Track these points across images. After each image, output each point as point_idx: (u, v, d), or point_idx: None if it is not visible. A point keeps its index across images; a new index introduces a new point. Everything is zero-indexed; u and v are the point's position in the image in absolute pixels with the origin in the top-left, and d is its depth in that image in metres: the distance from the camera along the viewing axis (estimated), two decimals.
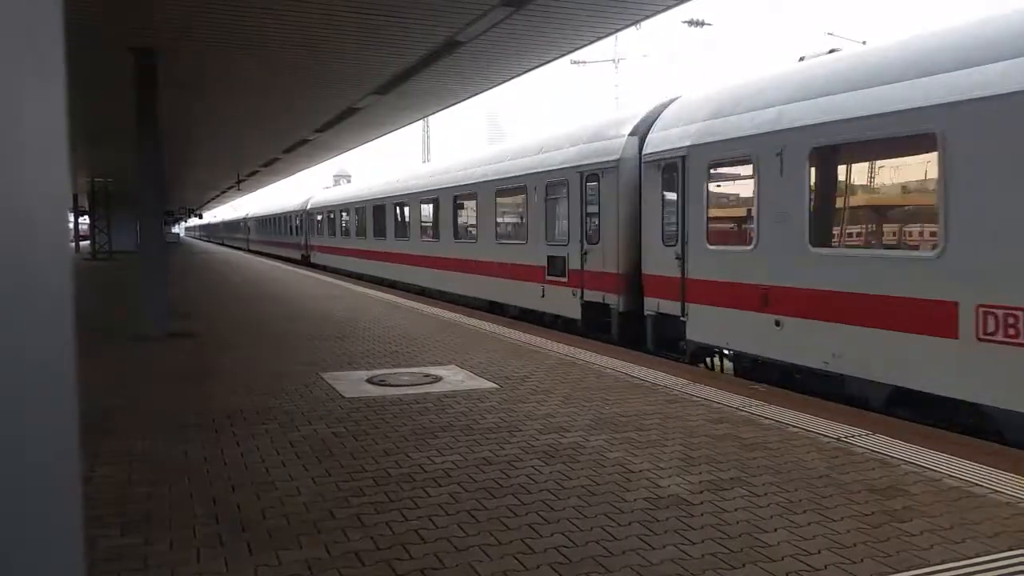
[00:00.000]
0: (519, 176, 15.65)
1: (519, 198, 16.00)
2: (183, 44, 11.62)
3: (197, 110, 17.71)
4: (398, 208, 24.22)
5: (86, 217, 48.10)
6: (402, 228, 23.87)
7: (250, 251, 58.94)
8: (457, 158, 21.80)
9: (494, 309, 16.82)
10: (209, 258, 44.47)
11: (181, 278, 24.95)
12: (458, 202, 19.32)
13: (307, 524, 4.30)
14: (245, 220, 69.43)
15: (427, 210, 21.66)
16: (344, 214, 32.04)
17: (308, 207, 39.58)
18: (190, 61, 12.57)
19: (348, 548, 3.98)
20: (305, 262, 38.68)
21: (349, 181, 79.59)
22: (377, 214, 26.51)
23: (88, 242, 47.69)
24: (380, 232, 26.21)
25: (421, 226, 22.05)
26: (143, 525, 4.30)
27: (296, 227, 42.79)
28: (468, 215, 19.20)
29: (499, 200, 17.02)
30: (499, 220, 17.19)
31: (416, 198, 22.29)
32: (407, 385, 8.10)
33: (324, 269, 33.35)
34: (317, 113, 18.38)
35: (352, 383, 8.21)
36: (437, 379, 8.38)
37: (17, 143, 0.80)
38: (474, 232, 18.22)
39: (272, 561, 3.83)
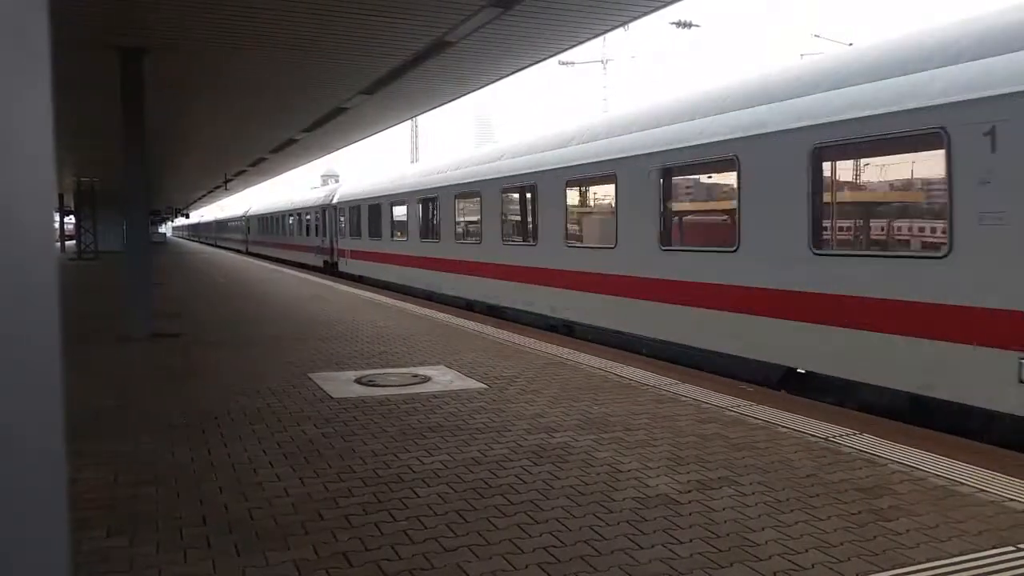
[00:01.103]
0: (913, 112, 7.34)
1: (908, 162, 8.33)
2: (170, 44, 11.56)
3: (184, 110, 17.64)
4: (511, 196, 15.88)
5: (72, 217, 47.78)
6: (522, 228, 15.38)
7: (250, 254, 51.10)
8: (659, 100, 12.50)
9: (795, 385, 8.84)
10: (196, 258, 44.24)
11: (168, 278, 24.81)
12: (672, 180, 10.83)
13: (295, 525, 4.29)
14: (245, 218, 59.34)
15: (580, 198, 13.98)
16: (397, 208, 22.69)
17: (334, 201, 30.39)
18: (177, 61, 12.51)
19: (336, 549, 3.97)
20: (330, 271, 30.39)
21: (337, 181, 77.90)
22: (463, 206, 18.31)
23: (74, 242, 47.39)
24: (469, 232, 18.02)
25: (569, 224, 13.44)
26: (129, 527, 4.27)
27: (317, 226, 33.60)
28: (697, 202, 11.76)
29: (830, 167, 8.77)
30: (827, 207, 8.67)
31: (556, 179, 13.39)
32: (396, 385, 8.08)
33: (360, 281, 25.25)
34: (305, 113, 18.32)
35: (340, 384, 8.19)
36: (426, 379, 8.37)
37: (1, 142, 0.79)
38: (726, 236, 9.89)
39: (260, 562, 3.81)
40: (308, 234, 35.45)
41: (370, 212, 25.37)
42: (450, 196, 18.50)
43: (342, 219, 29.33)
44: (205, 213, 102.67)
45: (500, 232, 15.99)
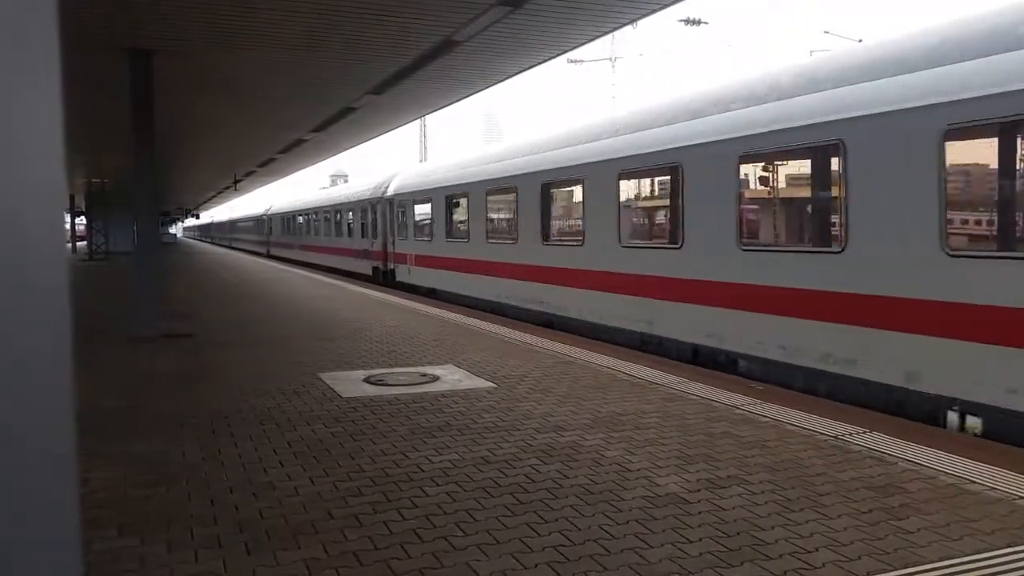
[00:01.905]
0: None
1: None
2: (177, 45, 11.60)
3: (192, 111, 17.70)
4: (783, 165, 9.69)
5: (83, 218, 48.06)
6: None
7: (271, 257, 45.73)
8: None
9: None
10: (206, 259, 44.41)
11: (178, 278, 24.92)
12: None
13: (305, 524, 4.30)
14: (266, 216, 52.09)
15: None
16: (498, 198, 16.40)
17: (390, 192, 24.00)
18: (185, 61, 12.55)
19: (346, 548, 3.98)
20: (382, 280, 24.36)
21: (346, 181, 76.50)
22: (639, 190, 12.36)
23: (85, 243, 47.64)
24: (646, 229, 12.20)
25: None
26: (140, 526, 4.30)
27: (363, 225, 27.16)
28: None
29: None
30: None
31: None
32: (405, 385, 8.10)
33: (431, 296, 19.55)
34: (314, 113, 18.36)
35: (350, 383, 8.21)
36: (435, 378, 8.38)
37: (12, 144, 0.80)
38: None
39: (270, 561, 3.83)
40: (351, 235, 28.86)
41: (451, 205, 19.01)
42: (612, 175, 12.06)
43: (403, 215, 22.63)
44: (219, 212, 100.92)
45: (737, 231, 9.55)
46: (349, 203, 29.28)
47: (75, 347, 0.88)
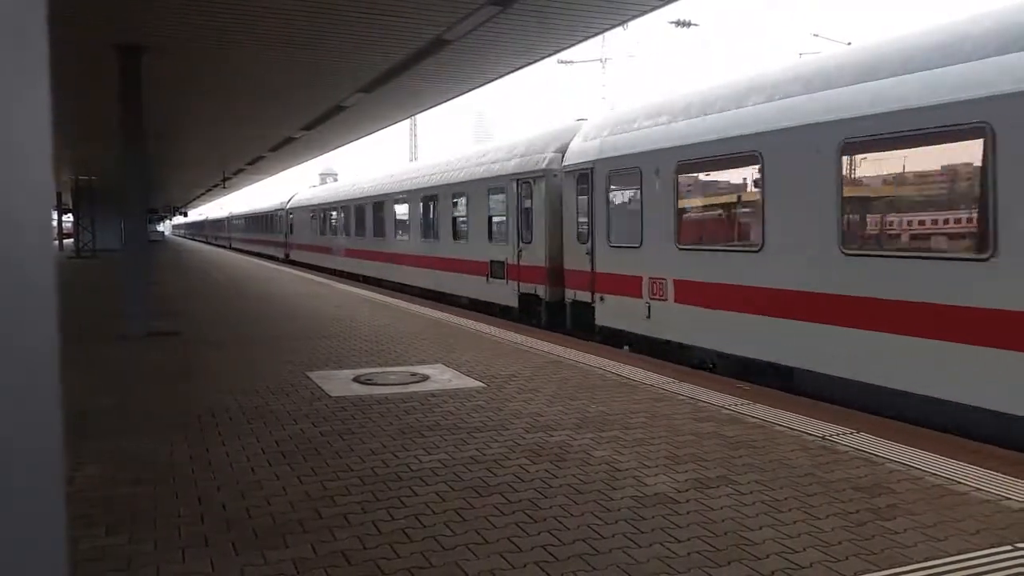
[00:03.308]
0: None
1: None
2: (168, 42, 11.55)
3: (182, 108, 17.62)
4: None
5: (70, 215, 47.75)
6: None
7: (289, 261, 37.53)
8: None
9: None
10: (195, 257, 44.19)
11: (166, 277, 24.79)
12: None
13: (293, 523, 4.29)
14: (284, 210, 41.31)
15: None
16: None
17: (570, 159, 13.39)
18: (175, 59, 12.49)
19: (335, 547, 3.97)
20: (546, 321, 14.30)
21: (336, 179, 74.48)
22: None
23: (72, 240, 47.38)
24: None
25: None
26: (127, 525, 4.27)
27: (494, 222, 16.66)
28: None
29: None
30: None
31: None
32: (394, 384, 8.09)
33: (758, 379, 8.80)
34: (304, 111, 18.32)
35: (339, 382, 8.19)
36: (424, 378, 8.37)
37: (3, 143, 0.80)
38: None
39: (258, 560, 3.81)
40: (460, 237, 18.34)
41: (874, 176, 8.23)
42: None
43: (627, 200, 12.19)
44: (213, 208, 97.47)
45: None
46: (459, 184, 18.31)
47: (63, 345, 0.87)
